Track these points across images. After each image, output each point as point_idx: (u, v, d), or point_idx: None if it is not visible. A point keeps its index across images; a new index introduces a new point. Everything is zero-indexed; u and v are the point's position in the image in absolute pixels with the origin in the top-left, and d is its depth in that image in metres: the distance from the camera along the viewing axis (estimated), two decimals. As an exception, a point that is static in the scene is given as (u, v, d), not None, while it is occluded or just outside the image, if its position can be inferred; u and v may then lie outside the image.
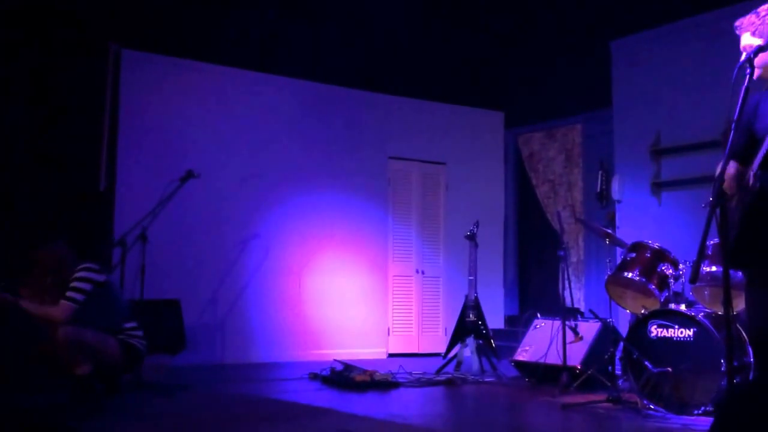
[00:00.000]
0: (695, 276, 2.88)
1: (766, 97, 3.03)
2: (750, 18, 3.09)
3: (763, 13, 3.05)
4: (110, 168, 7.03)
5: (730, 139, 2.92)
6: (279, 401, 5.12)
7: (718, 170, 2.84)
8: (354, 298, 8.16)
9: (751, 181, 2.90)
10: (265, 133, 7.82)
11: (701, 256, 2.70)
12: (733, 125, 3.02)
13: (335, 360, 6.40)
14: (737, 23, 3.15)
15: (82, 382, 4.31)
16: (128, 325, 4.67)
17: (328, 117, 8.23)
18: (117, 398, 4.71)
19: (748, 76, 3.02)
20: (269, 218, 7.75)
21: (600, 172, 8.14)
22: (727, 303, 2.73)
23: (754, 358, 2.99)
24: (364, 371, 5.87)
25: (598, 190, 8.23)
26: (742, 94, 3.01)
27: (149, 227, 5.60)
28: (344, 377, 5.84)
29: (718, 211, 2.83)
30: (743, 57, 3.04)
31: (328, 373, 6.05)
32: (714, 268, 4.66)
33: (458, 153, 8.95)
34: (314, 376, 6.16)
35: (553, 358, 5.90)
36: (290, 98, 8.03)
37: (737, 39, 3.06)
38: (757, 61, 2.91)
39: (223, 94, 7.66)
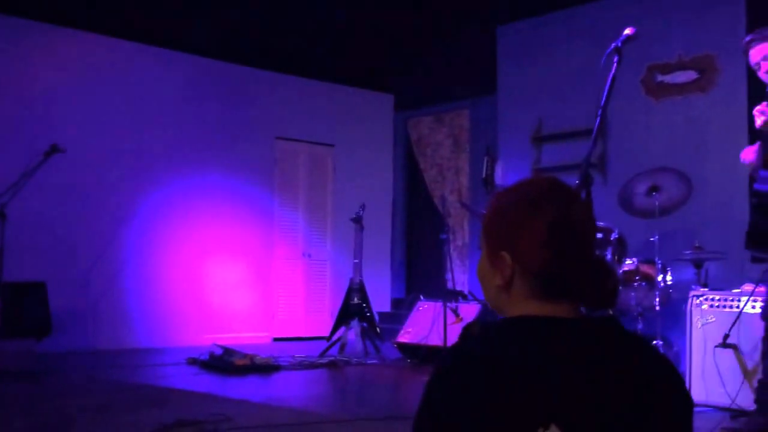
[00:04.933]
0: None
1: None
2: None
3: None
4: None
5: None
6: (152, 387, 4.93)
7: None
8: (237, 282, 7.97)
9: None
10: (145, 107, 7.45)
11: None
12: (599, 111, 3.13)
13: (215, 344, 6.23)
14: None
15: None
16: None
17: (214, 94, 7.95)
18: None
19: (615, 65, 3.13)
20: (148, 197, 7.41)
21: (486, 158, 8.28)
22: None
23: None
24: (245, 355, 5.75)
25: (484, 175, 8.37)
26: (609, 82, 3.12)
27: (9, 204, 5.22)
28: (224, 361, 5.69)
29: None
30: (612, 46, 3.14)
31: (207, 357, 5.88)
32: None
33: (347, 135, 8.89)
34: (192, 361, 5.96)
35: (435, 339, 5.99)
36: (173, 72, 7.69)
37: (618, 28, 3.16)
38: None
39: (98, 65, 7.21)
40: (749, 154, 3.56)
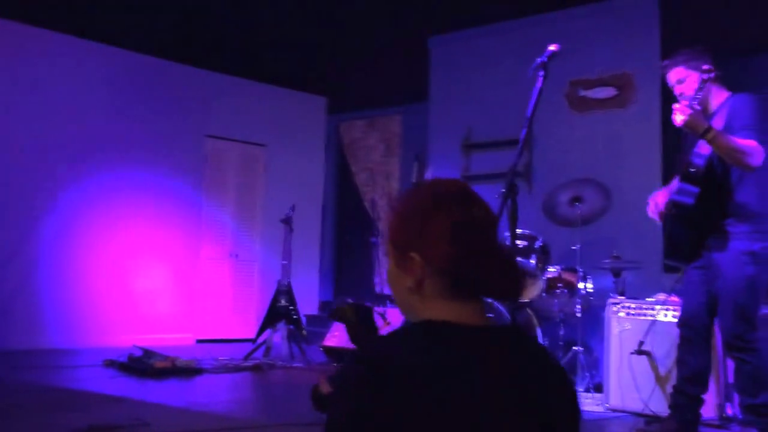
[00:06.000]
0: None
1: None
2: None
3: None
4: None
5: None
6: (66, 390, 4.76)
7: None
8: (161, 281, 7.77)
9: None
10: (69, 100, 7.19)
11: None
12: (525, 122, 3.22)
13: (135, 346, 6.06)
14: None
15: None
16: None
17: (143, 89, 7.73)
18: None
19: (541, 78, 3.21)
20: (67, 192, 7.14)
21: (415, 164, 8.35)
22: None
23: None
24: (166, 357, 5.61)
25: (414, 180, 8.45)
26: (535, 94, 3.21)
27: None
28: (143, 364, 5.54)
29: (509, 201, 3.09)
30: (539, 59, 3.23)
31: (126, 359, 5.70)
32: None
33: (279, 136, 8.81)
34: (110, 363, 5.77)
35: (361, 344, 5.98)
36: (100, 66, 7.45)
37: (544, 44, 3.26)
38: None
39: (19, 55, 6.91)
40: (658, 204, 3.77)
